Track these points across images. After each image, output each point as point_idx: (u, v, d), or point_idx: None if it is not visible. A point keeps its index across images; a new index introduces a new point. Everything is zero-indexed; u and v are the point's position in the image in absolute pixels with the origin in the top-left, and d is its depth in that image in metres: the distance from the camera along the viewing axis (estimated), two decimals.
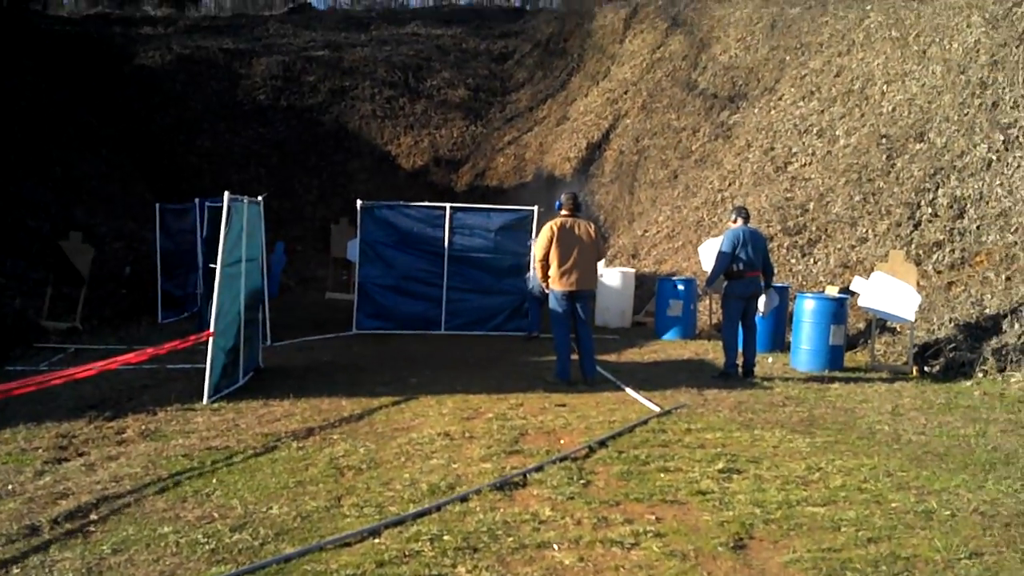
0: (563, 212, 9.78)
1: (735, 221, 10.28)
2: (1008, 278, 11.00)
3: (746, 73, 20.95)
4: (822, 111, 17.46)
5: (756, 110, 19.34)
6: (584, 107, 25.45)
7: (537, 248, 9.75)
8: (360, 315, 13.75)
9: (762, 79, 20.30)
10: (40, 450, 6.77)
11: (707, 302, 14.20)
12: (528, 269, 13.91)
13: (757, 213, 15.44)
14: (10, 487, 5.89)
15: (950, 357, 10.28)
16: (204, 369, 8.72)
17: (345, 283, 19.20)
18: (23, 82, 21.21)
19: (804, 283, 13.59)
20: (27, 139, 19.40)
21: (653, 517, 5.41)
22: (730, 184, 17.81)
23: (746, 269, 10.02)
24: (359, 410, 8.31)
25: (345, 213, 20.88)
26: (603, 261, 16.20)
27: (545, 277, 9.71)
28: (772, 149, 17.63)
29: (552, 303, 9.76)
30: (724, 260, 10.00)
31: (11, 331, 11.47)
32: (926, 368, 10.33)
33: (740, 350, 10.18)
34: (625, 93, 24.45)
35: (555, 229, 9.58)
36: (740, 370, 10.08)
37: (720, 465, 6.45)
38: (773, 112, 18.73)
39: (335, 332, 13.53)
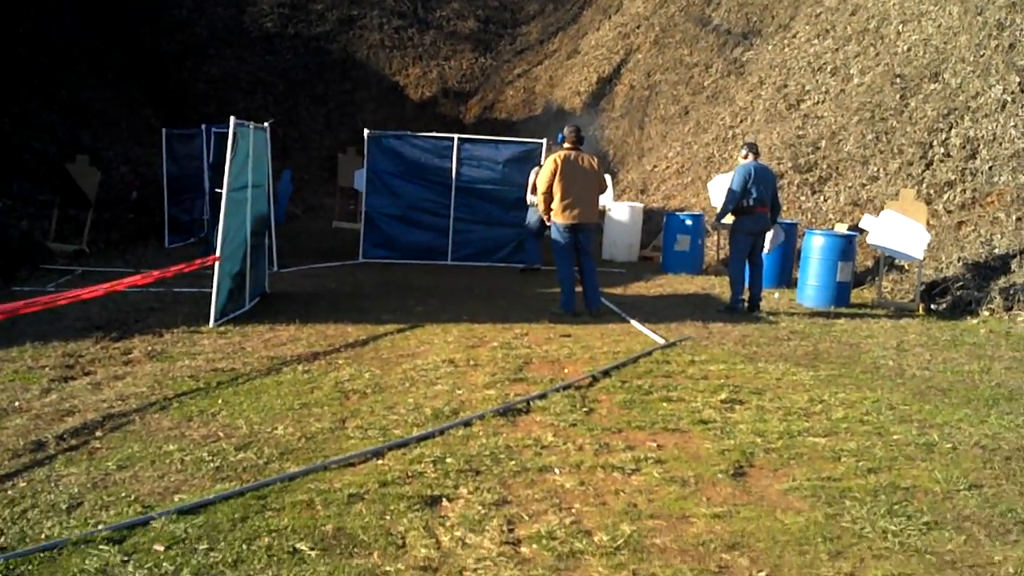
0: (566, 145, 9.71)
1: (745, 157, 10.17)
2: (1019, 218, 10.91)
3: (760, 9, 20.60)
4: (836, 49, 17.17)
5: (770, 47, 19.04)
6: (595, 41, 25.10)
7: (540, 181, 9.67)
8: (366, 244, 13.72)
9: (776, 16, 19.96)
10: (47, 368, 6.81)
11: (715, 237, 14.13)
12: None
13: (768, 150, 15.29)
14: (16, 404, 5.94)
15: (957, 295, 10.25)
16: (210, 293, 8.74)
17: (351, 212, 19.13)
18: (28, 5, 20.92)
19: (814, 220, 13.51)
20: (32, 62, 19.21)
21: (654, 444, 5.44)
22: (742, 121, 17.62)
23: (756, 205, 9.95)
24: (364, 336, 8.33)
25: (352, 143, 20.72)
26: (610, 195, 16.14)
27: (548, 210, 9.67)
28: (785, 86, 17.39)
29: (555, 235, 9.73)
30: (735, 195, 9.92)
31: (18, 252, 11.47)
32: (933, 306, 10.30)
33: (747, 285, 10.16)
34: (637, 27, 24.09)
35: (559, 162, 9.52)
36: (746, 305, 10.07)
37: (723, 396, 6.48)
38: (787, 49, 18.44)
39: (341, 260, 13.51)
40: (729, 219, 10.30)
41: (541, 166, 12.23)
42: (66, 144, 17.31)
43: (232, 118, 8.79)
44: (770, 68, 18.28)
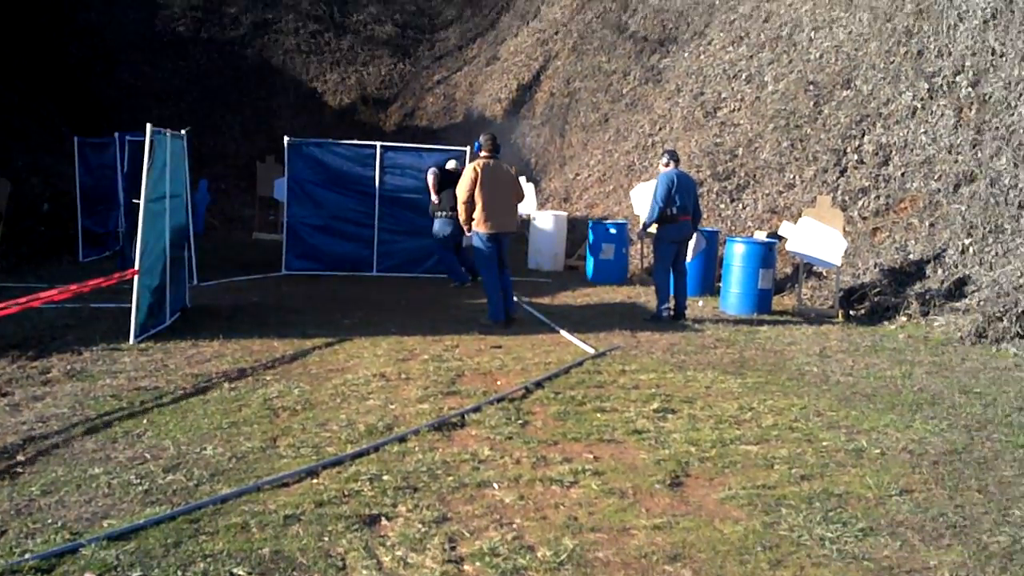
0: (483, 154, 9.75)
1: (667, 164, 10.31)
2: (931, 224, 11.29)
3: (676, 16, 20.91)
4: (751, 56, 17.54)
5: (686, 54, 19.35)
6: (514, 47, 25.18)
7: (461, 190, 9.63)
8: (289, 255, 13.50)
9: (692, 23, 20.29)
10: None
11: (639, 246, 14.29)
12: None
13: (687, 158, 15.54)
14: None
15: (875, 301, 10.56)
16: (129, 308, 8.49)
17: (272, 223, 18.83)
18: None
19: (733, 228, 13.77)
20: None
21: (591, 456, 5.47)
22: (660, 128, 17.86)
23: (679, 213, 10.10)
24: (292, 351, 8.20)
25: (270, 151, 20.38)
26: (534, 204, 16.21)
27: (469, 219, 9.66)
28: (702, 94, 17.70)
29: (478, 245, 9.73)
30: (659, 204, 10.04)
31: None
32: (851, 312, 10.59)
33: (672, 294, 10.29)
34: (556, 34, 24.23)
35: (479, 170, 9.54)
36: (671, 313, 10.20)
37: (655, 405, 6.55)
38: (703, 57, 18.77)
39: (263, 273, 13.26)
40: (653, 228, 10.42)
41: (436, 168, 12.34)
42: None
43: (148, 125, 8.58)
44: (687, 76, 18.58)
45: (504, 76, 24.15)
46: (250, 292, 11.64)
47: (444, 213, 12.30)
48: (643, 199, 13.06)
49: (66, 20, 25.50)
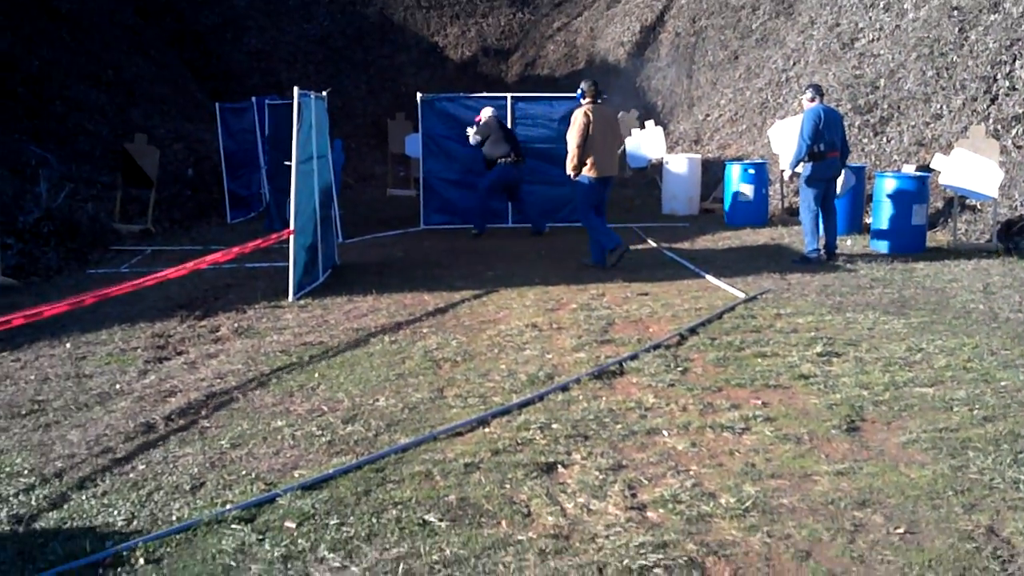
0: (587, 100, 9.90)
1: (812, 100, 9.97)
2: None
3: None
4: None
5: None
6: None
7: (574, 136, 9.80)
8: (427, 210, 13.69)
9: None
10: (139, 350, 6.90)
11: (777, 186, 13.92)
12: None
13: (825, 92, 15.00)
14: (118, 386, 6.03)
15: None
16: (283, 267, 8.80)
17: (404, 179, 19.12)
18: None
19: (878, 162, 13.25)
20: (77, 43, 19.30)
21: (759, 402, 5.40)
22: (794, 63, 17.26)
23: (827, 149, 9.77)
24: (442, 304, 8.34)
25: (396, 108, 20.64)
26: (663, 147, 15.96)
27: (581, 164, 9.83)
28: (838, 25, 16.99)
29: (586, 190, 10.00)
30: (807, 142, 9.72)
31: (87, 235, 11.60)
32: (1011, 246, 10.09)
33: (820, 233, 10.01)
34: None
35: (590, 115, 9.71)
36: (822, 254, 9.92)
37: (818, 349, 6.40)
38: None
39: (402, 228, 13.51)
40: (800, 167, 10.12)
41: (479, 121, 12.72)
42: (117, 124, 17.43)
43: (296, 88, 8.76)
44: (820, 7, 17.86)
45: (626, 19, 23.71)
46: (393, 247, 11.87)
47: (507, 159, 12.52)
48: (782, 137, 12.69)
49: None
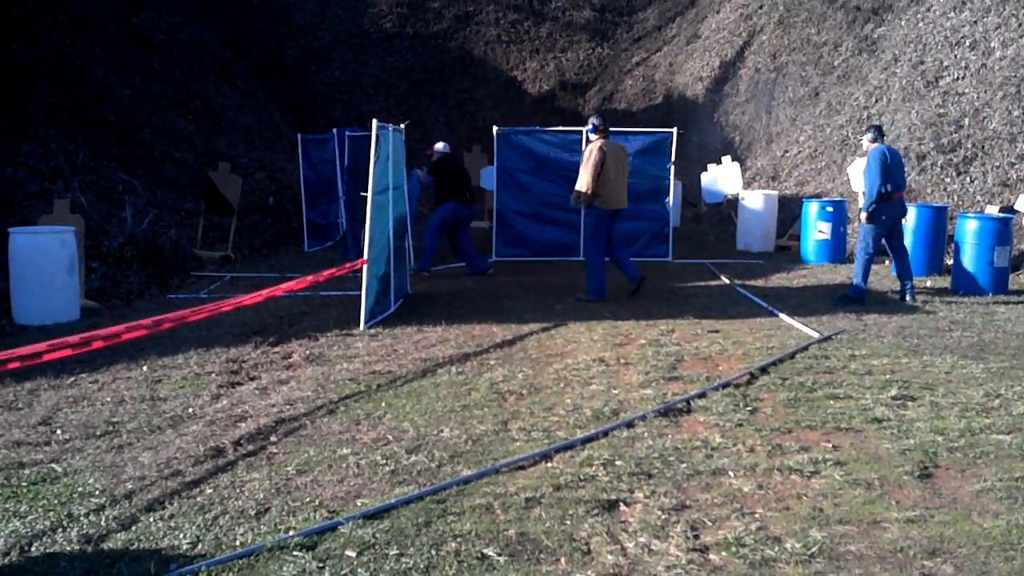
0: (598, 135, 10.30)
1: (874, 140, 9.81)
2: None
3: None
4: (975, 22, 16.35)
5: (903, 22, 18.28)
6: (716, 24, 24.58)
7: (590, 169, 10.09)
8: (498, 242, 13.78)
9: None
10: (213, 374, 7.05)
11: (856, 224, 13.66)
12: (666, 193, 13.68)
13: (908, 130, 14.74)
14: (190, 410, 6.15)
15: None
16: (356, 295, 8.92)
17: (478, 211, 19.23)
18: (157, 16, 21.76)
19: (960, 203, 12.93)
20: (166, 73, 19.98)
21: (830, 445, 5.28)
22: (876, 100, 16.98)
23: (894, 190, 9.60)
24: (510, 336, 8.36)
25: (473, 140, 20.84)
26: (740, 182, 15.81)
27: (593, 196, 10.14)
28: (922, 63, 16.67)
29: (596, 222, 10.36)
30: (878, 183, 9.54)
31: (169, 260, 11.92)
32: None
33: (895, 274, 9.86)
34: (760, 8, 23.46)
35: (605, 150, 10.10)
36: (901, 294, 9.71)
37: (893, 392, 6.24)
38: (921, 24, 17.66)
39: None
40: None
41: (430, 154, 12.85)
42: (203, 152, 17.96)
43: (375, 121, 8.92)
44: (904, 44, 17.56)
45: (705, 54, 23.64)
46: (465, 279, 11.96)
47: (458, 198, 12.22)
48: (861, 175, 12.48)
49: (281, 22, 26.99)
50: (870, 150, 9.74)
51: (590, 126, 10.50)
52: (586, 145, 10.70)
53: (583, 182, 10.20)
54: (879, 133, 9.84)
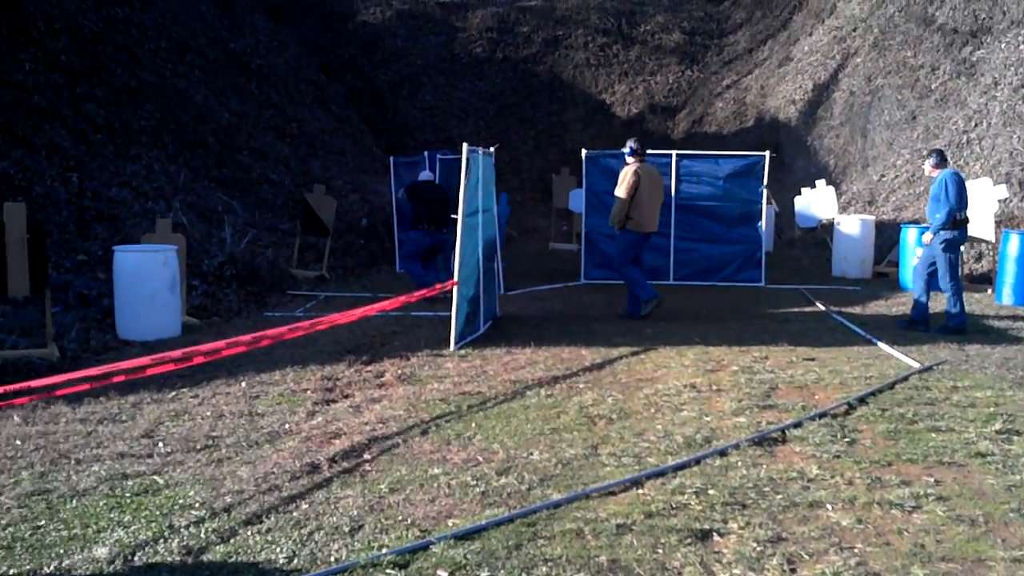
0: (635, 158, 10.50)
1: (936, 166, 9.65)
2: None
3: (990, 6, 19.23)
4: None
5: (1003, 45, 17.74)
6: (808, 46, 24.22)
7: (624, 191, 10.34)
8: (587, 265, 13.78)
9: (1008, 11, 18.57)
10: (309, 391, 7.18)
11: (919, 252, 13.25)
12: (758, 218, 13.50)
13: (1010, 155, 14.31)
14: (287, 426, 6.28)
15: None
16: (445, 316, 9.00)
17: (566, 233, 19.29)
18: (255, 41, 22.43)
19: None
20: (264, 97, 20.56)
21: (931, 479, 5.11)
22: (976, 125, 16.50)
23: (965, 216, 9.41)
24: (600, 359, 8.33)
25: (561, 164, 20.90)
26: (835, 208, 15.51)
27: (626, 218, 10.39)
28: (1023, 87, 16.16)
29: (628, 244, 10.57)
30: (955, 205, 9.33)
31: (266, 279, 12.23)
32: None
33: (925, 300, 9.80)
34: (854, 30, 23.04)
35: (640, 173, 10.34)
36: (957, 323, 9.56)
37: (997, 426, 6.03)
38: (1023, 47, 17.13)
39: (562, 282, 13.61)
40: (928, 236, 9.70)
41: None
42: (298, 174, 18.41)
43: (465, 145, 9.02)
44: (1005, 67, 17.03)
45: (798, 77, 23.30)
46: (553, 301, 11.97)
47: (424, 226, 11.99)
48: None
49: (375, 48, 27.56)
50: (943, 174, 9.49)
51: (627, 149, 10.66)
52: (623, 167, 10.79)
53: (616, 205, 10.43)
54: (942, 158, 9.67)
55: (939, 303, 10.25)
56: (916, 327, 9.66)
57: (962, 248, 10.03)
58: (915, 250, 12.40)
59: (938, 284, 9.66)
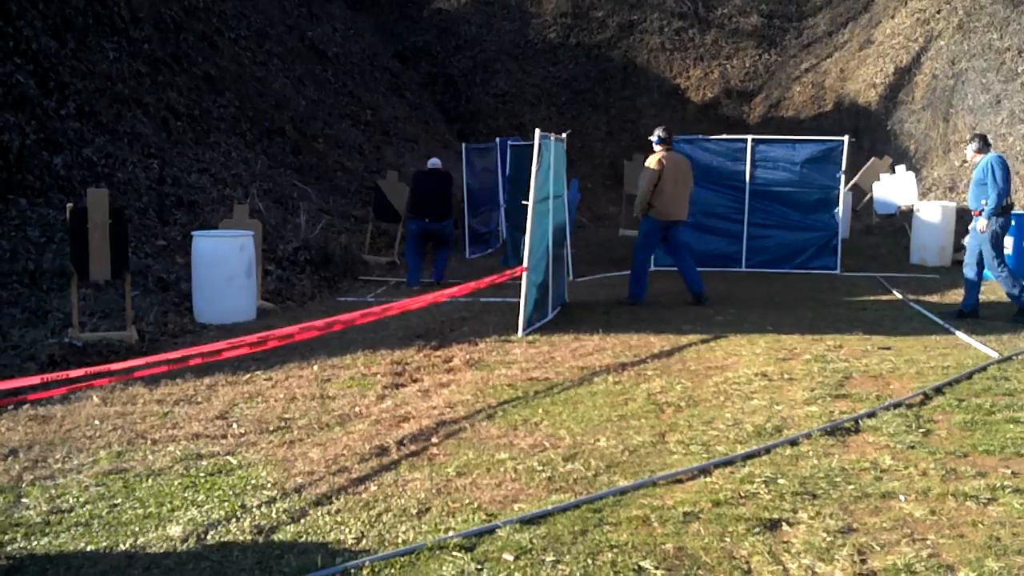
0: (662, 146, 10.45)
1: (979, 151, 9.48)
2: None
3: None
4: None
5: None
6: (891, 29, 23.60)
7: (647, 180, 10.33)
8: (658, 252, 13.63)
9: None
10: (379, 375, 7.28)
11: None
12: (835, 204, 13.24)
13: None
14: (357, 409, 6.38)
15: None
16: (514, 302, 9.03)
17: (637, 220, 19.11)
18: (331, 29, 22.70)
19: None
20: (339, 84, 20.83)
21: (1008, 471, 4.98)
22: None
23: (1011, 200, 9.34)
24: (668, 346, 8.27)
25: (633, 150, 20.74)
26: (915, 194, 15.10)
27: (648, 207, 10.43)
28: None
29: (648, 231, 10.62)
30: (1006, 190, 9.18)
31: (339, 265, 12.41)
32: None
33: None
34: (938, 12, 22.38)
35: (664, 162, 10.30)
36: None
37: None
38: None
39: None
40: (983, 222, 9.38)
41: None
42: (372, 161, 18.64)
43: (537, 131, 9.01)
44: None
45: (879, 60, 22.73)
46: (622, 288, 11.87)
47: (415, 215, 12.07)
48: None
49: (449, 35, 27.68)
50: (988, 157, 9.26)
51: (655, 137, 10.55)
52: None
53: (639, 192, 10.44)
54: (985, 143, 9.50)
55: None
56: (969, 316, 9.46)
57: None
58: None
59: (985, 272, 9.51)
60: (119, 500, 4.73)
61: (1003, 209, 9.24)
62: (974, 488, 4.72)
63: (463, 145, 15.87)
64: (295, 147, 16.57)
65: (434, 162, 12.62)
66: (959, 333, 8.62)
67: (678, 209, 10.52)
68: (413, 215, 12.12)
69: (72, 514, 4.54)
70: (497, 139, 16.27)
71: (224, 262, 9.42)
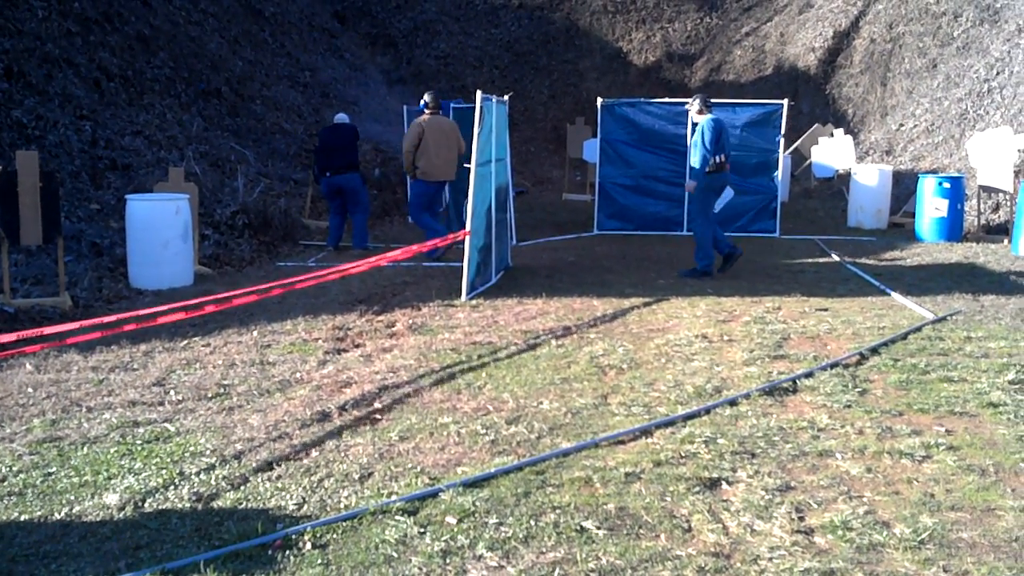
0: (428, 111, 11.17)
1: (703, 112, 10.07)
2: None
3: None
4: None
5: None
6: None
7: (408, 143, 11.06)
8: (600, 215, 13.70)
9: None
10: (320, 340, 7.20)
11: (974, 202, 13.11)
12: (775, 167, 13.36)
13: None
14: (298, 375, 6.30)
15: None
16: (457, 267, 8.97)
17: (580, 184, 19.16)
18: None
19: None
20: (277, 45, 20.40)
21: (942, 429, 5.10)
22: (998, 73, 16.20)
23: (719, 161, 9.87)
24: (611, 310, 8.31)
25: (576, 113, 20.70)
26: (853, 157, 15.32)
27: (413, 168, 11.12)
28: None
29: (418, 192, 11.43)
30: (712, 152, 9.73)
31: (278, 229, 12.22)
32: None
33: None
34: None
35: (424, 126, 11.01)
36: None
37: (1010, 376, 6.00)
38: None
39: (576, 233, 13.55)
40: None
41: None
42: (311, 124, 18.31)
43: (478, 92, 8.93)
44: None
45: (818, 24, 22.90)
46: (566, 252, 11.93)
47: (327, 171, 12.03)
48: (982, 151, 11.97)
49: None
50: (705, 121, 9.82)
51: (422, 103, 11.38)
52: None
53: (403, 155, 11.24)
54: (706, 104, 10.11)
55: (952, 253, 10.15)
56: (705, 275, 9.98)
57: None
58: (933, 200, 12.30)
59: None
60: (54, 469, 4.62)
61: (716, 167, 9.72)
62: (909, 446, 4.82)
63: (404, 107, 15.67)
64: (232, 109, 16.22)
65: (340, 117, 12.59)
66: (895, 294, 8.79)
67: (443, 170, 11.13)
68: (319, 172, 12.13)
69: (5, 484, 4.43)
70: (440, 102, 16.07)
71: (159, 226, 9.21)
